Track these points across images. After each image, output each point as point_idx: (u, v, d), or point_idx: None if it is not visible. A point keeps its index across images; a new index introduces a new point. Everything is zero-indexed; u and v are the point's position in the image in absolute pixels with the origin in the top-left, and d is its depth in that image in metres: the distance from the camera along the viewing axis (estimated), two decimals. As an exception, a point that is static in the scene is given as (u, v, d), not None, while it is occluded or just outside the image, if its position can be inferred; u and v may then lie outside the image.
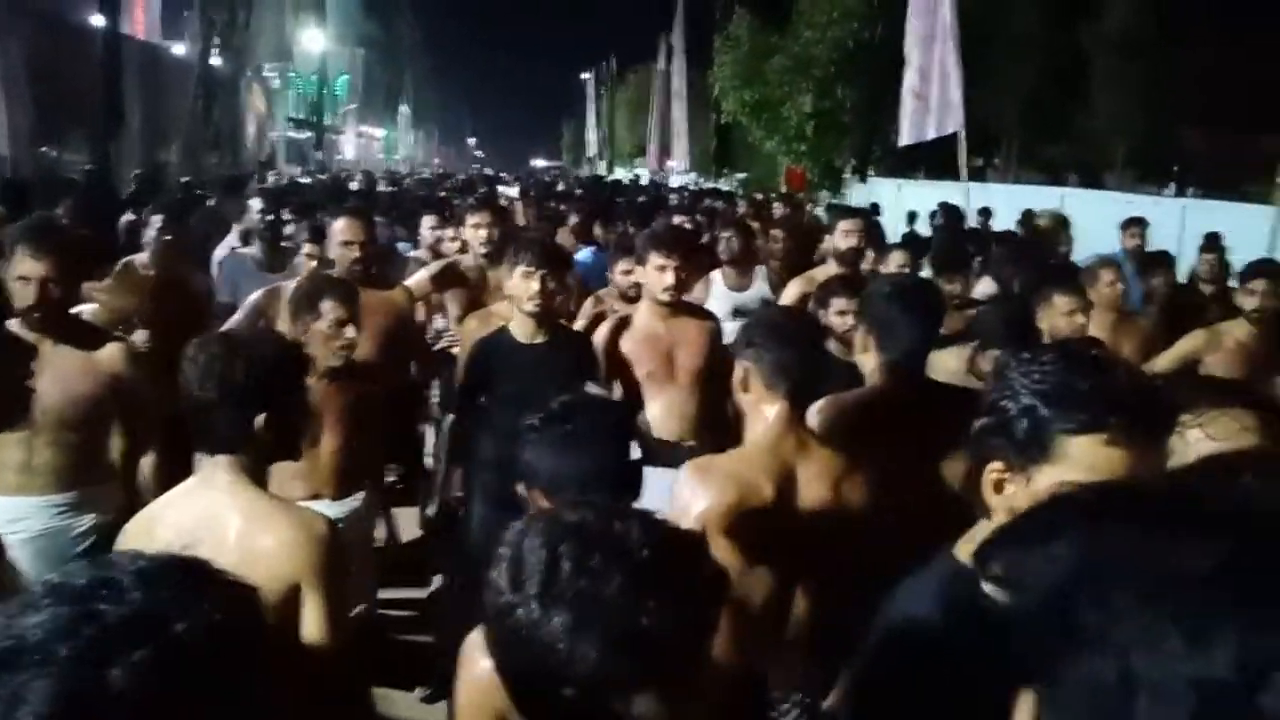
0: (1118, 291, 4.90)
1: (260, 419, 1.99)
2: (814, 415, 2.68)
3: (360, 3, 53.28)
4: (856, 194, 19.79)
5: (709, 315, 4.20)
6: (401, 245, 7.54)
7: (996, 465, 1.47)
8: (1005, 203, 9.82)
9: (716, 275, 5.76)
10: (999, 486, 1.48)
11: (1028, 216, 9.29)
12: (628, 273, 4.72)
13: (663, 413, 3.82)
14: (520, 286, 3.67)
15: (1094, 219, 10.39)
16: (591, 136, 55.16)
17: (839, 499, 2.36)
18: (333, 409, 3.40)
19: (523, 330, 3.72)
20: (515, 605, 1.07)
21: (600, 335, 3.94)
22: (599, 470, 1.81)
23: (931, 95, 11.54)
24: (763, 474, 2.31)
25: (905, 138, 12.15)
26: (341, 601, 2.02)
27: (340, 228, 4.33)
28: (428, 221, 6.77)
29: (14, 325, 3.10)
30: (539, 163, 70.35)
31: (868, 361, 3.14)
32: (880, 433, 2.66)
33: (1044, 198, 11.54)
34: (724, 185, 26.72)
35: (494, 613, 1.09)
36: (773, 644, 2.39)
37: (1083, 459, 1.39)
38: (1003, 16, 18.30)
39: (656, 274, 3.85)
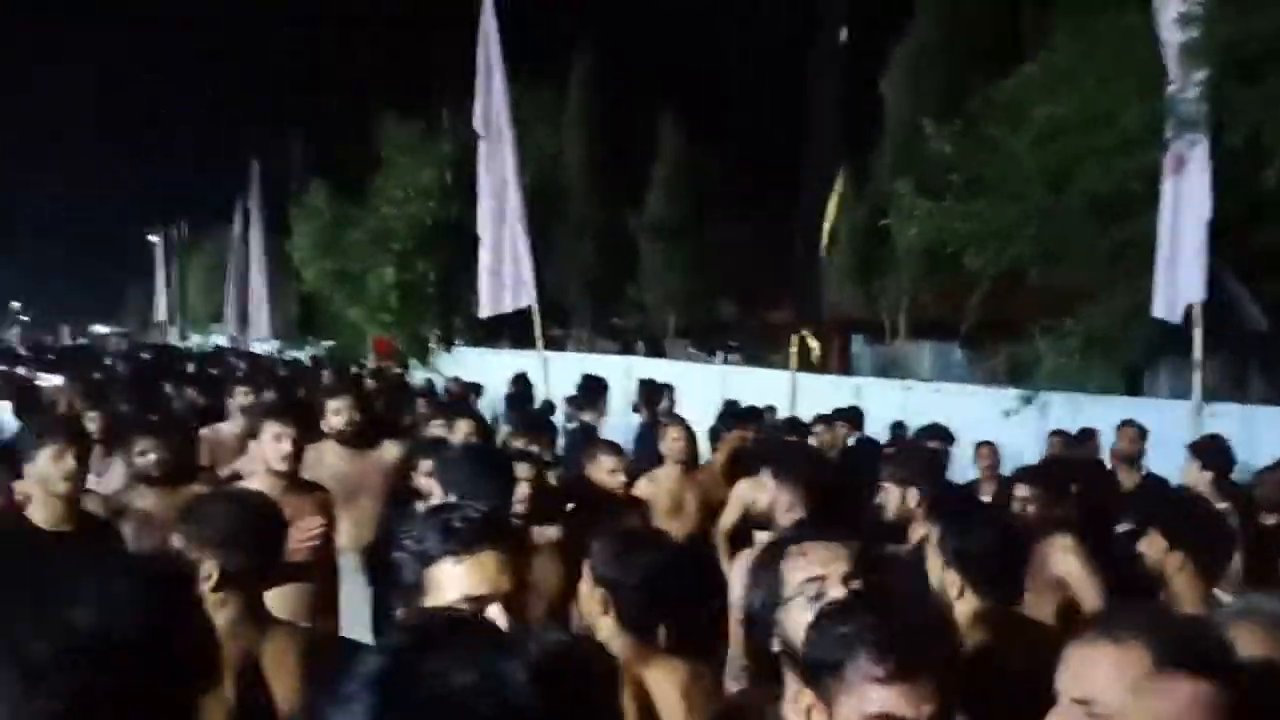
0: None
1: None
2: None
3: None
4: (444, 363, 20.27)
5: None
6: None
7: None
8: (577, 369, 10.61)
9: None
10: None
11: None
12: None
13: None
14: None
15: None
16: (161, 300, 51.18)
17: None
18: None
19: None
20: None
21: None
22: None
23: (505, 271, 12.28)
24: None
25: (484, 310, 12.77)
26: None
27: None
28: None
29: None
30: (100, 328, 61.99)
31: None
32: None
33: (608, 366, 12.57)
34: (308, 353, 25.92)
35: None
36: None
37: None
38: (563, 202, 20.21)
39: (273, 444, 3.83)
